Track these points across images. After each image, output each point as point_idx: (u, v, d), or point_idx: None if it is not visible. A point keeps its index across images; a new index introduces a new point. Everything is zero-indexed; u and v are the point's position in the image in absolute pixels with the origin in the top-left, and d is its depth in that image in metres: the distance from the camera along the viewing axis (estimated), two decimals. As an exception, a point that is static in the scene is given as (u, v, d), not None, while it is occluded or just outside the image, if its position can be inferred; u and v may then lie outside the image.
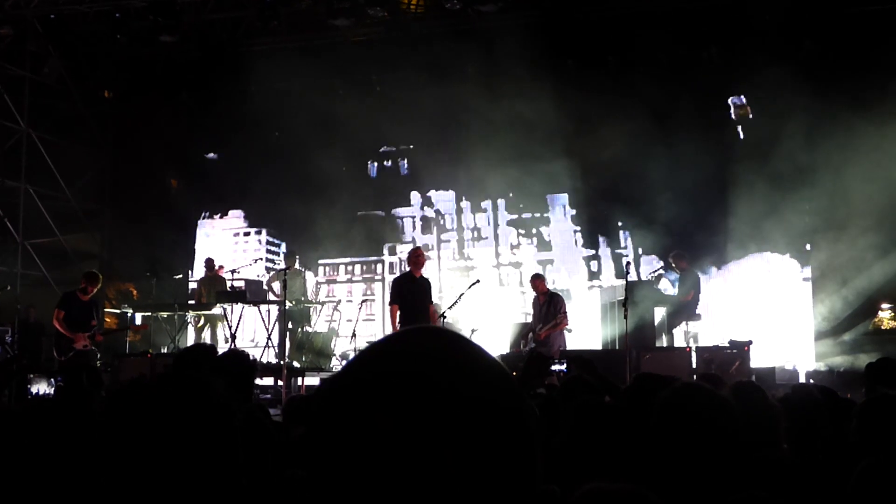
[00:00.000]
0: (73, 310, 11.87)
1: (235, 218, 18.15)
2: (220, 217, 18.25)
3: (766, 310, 14.32)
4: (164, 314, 14.90)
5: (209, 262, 15.70)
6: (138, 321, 14.58)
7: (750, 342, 11.52)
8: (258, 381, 11.02)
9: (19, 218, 16.11)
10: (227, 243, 18.00)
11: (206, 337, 14.93)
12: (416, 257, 11.74)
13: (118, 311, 15.43)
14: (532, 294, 13.41)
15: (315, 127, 15.28)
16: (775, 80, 13.42)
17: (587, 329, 14.23)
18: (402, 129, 16.14)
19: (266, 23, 15.68)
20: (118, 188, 17.98)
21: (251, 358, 5.05)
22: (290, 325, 13.96)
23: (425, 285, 11.58)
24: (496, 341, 13.33)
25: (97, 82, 17.60)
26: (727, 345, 11.68)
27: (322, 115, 15.36)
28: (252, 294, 13.91)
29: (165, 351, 14.16)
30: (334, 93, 16.45)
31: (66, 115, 17.27)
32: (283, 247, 17.23)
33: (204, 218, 18.26)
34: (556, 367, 6.44)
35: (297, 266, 14.81)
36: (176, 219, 17.73)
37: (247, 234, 18.05)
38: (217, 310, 14.25)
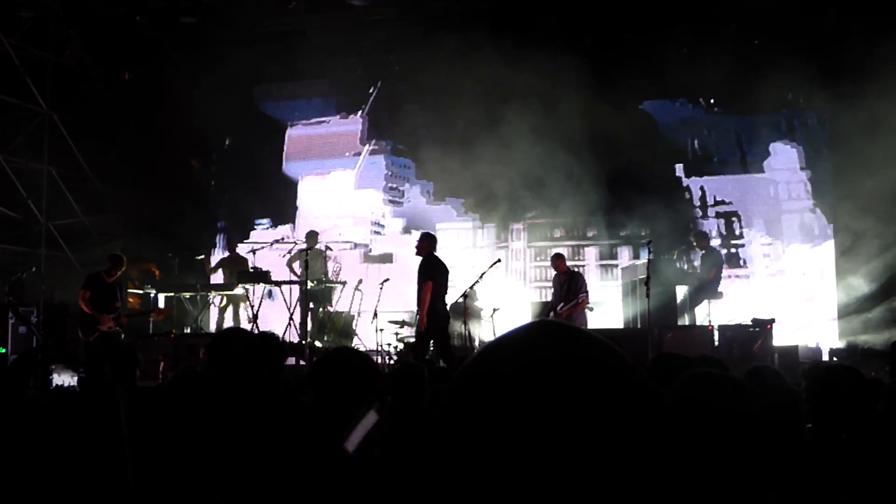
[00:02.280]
0: (97, 291, 12.01)
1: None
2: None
3: (789, 287, 14.25)
4: (187, 294, 15.01)
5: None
6: (161, 302, 14.69)
7: (772, 320, 11.45)
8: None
9: (43, 199, 16.22)
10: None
11: (229, 317, 15.03)
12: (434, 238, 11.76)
13: (141, 291, 15.53)
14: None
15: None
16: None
17: (608, 308, 14.23)
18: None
19: (285, 3, 15.70)
20: (140, 169, 18.05)
21: (281, 341, 5.10)
22: (311, 305, 14.03)
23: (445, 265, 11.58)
24: (517, 320, 13.32)
25: (118, 64, 17.66)
26: (750, 323, 11.62)
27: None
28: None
29: (189, 331, 14.29)
30: (352, 73, 16.56)
31: (88, 97, 17.36)
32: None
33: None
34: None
35: (318, 246, 14.86)
36: (197, 198, 17.82)
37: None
38: (239, 290, 14.33)
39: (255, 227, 17.69)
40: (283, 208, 17.79)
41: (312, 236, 14.94)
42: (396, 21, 15.48)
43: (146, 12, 16.05)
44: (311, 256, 13.47)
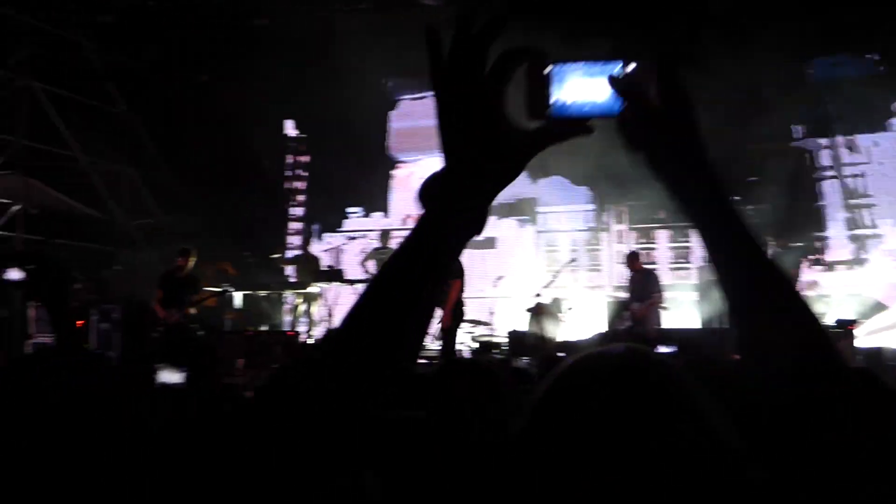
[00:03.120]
0: (169, 288, 12.28)
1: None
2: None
3: (873, 287, 13.89)
4: (263, 293, 15.22)
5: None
6: (238, 300, 14.92)
7: (855, 321, 11.18)
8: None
9: (123, 199, 16.63)
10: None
11: (302, 315, 15.19)
12: None
13: (219, 289, 15.79)
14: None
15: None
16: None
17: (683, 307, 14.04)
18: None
19: (356, 3, 15.83)
20: (215, 169, 18.36)
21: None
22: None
23: None
24: (593, 320, 13.25)
25: (194, 66, 17.98)
26: (833, 324, 11.36)
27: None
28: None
29: (265, 328, 14.49)
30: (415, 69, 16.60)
31: (166, 99, 17.71)
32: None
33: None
34: (663, 350, 6.34)
35: (391, 245, 14.93)
36: (269, 197, 18.04)
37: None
38: (313, 288, 14.48)
39: (348, 216, 17.75)
40: (375, 196, 17.76)
41: (385, 234, 15.01)
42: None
43: (220, 15, 16.33)
44: (387, 255, 13.58)
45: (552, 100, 1.17)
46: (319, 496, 1.11)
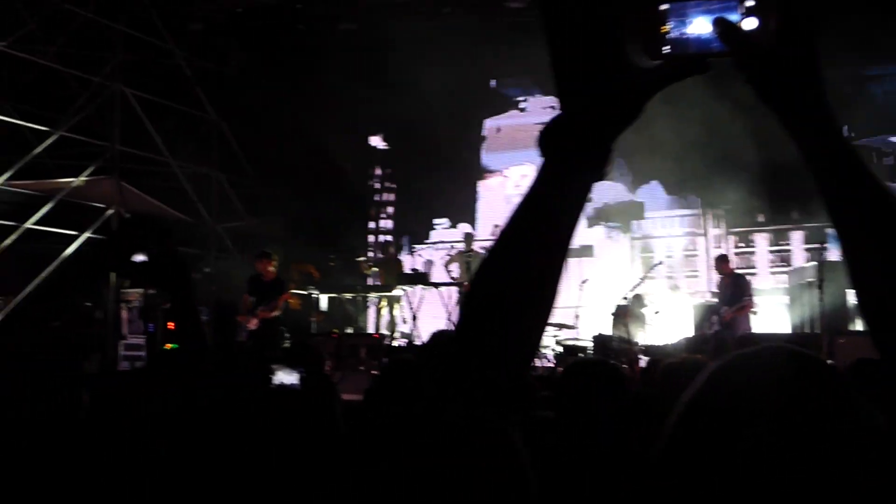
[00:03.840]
0: (255, 292, 12.52)
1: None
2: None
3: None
4: (348, 295, 15.35)
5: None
6: (323, 303, 15.08)
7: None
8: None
9: (211, 203, 16.98)
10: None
11: (386, 318, 15.28)
12: None
13: (304, 292, 16.00)
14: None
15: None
16: None
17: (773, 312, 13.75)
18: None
19: (440, 7, 15.89)
20: (298, 172, 18.62)
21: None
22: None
23: None
24: (680, 324, 13.05)
25: (278, 71, 18.26)
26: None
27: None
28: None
29: (350, 331, 14.61)
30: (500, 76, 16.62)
31: (250, 104, 18.03)
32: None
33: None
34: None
35: (475, 248, 14.94)
36: (352, 201, 18.21)
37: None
38: (397, 291, 14.55)
39: (434, 227, 17.80)
40: (462, 207, 17.71)
41: (469, 238, 15.03)
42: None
43: (306, 20, 16.58)
44: (473, 258, 13.56)
45: (668, 38, 1.14)
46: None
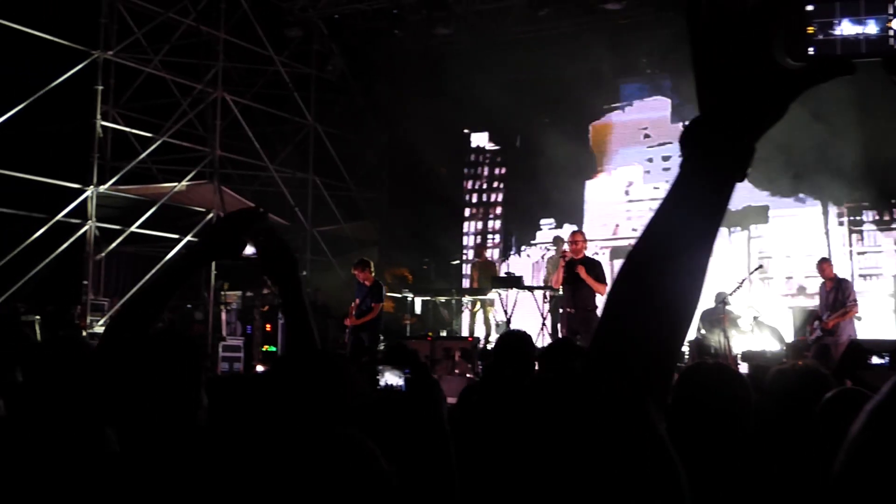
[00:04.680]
0: (357, 295, 12.72)
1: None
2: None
3: None
4: (442, 298, 15.38)
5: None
6: (418, 307, 15.15)
7: None
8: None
9: (308, 207, 17.24)
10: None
11: (480, 321, 15.26)
12: None
13: (399, 295, 16.09)
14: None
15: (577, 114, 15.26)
16: None
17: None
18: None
19: (536, 10, 15.80)
20: (393, 177, 18.80)
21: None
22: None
23: None
24: (780, 329, 12.68)
25: (374, 76, 18.46)
26: None
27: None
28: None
29: (444, 334, 14.62)
30: (601, 77, 16.36)
31: (347, 109, 18.31)
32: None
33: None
34: (876, 361, 5.93)
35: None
36: (446, 204, 18.25)
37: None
38: (491, 294, 14.51)
39: (540, 227, 17.67)
40: (569, 207, 17.44)
41: (558, 241, 14.91)
42: (654, 21, 15.22)
43: (402, 26, 16.71)
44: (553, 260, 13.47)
45: (813, 39, 1.11)
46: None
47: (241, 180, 16.98)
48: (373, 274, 12.79)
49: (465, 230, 18.70)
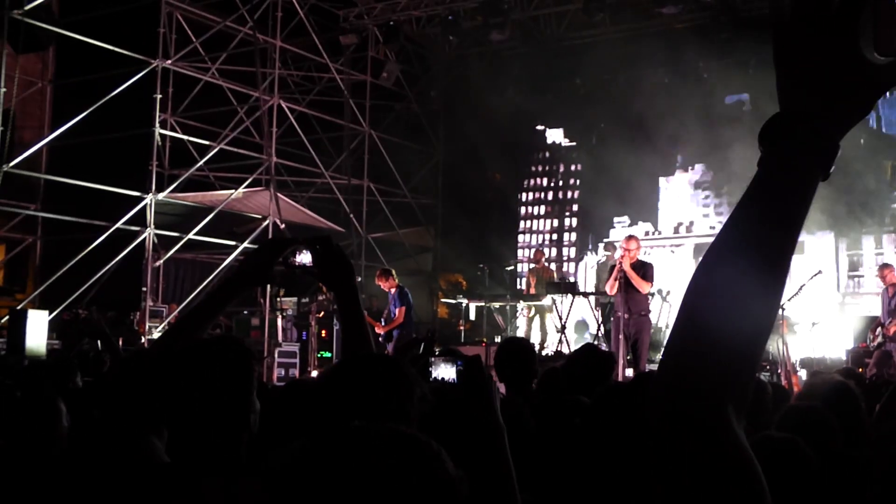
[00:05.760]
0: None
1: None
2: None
3: None
4: (496, 304, 15.30)
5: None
6: (472, 313, 15.10)
7: None
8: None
9: (363, 213, 17.29)
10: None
11: (536, 327, 15.14)
12: None
13: (453, 301, 16.06)
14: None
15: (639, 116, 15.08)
16: None
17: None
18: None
19: (591, 15, 15.69)
20: (448, 183, 18.78)
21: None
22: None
23: None
24: (840, 336, 12.40)
25: (429, 83, 18.49)
26: None
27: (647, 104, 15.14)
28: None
29: (498, 340, 14.54)
30: (659, 81, 16.16)
31: (402, 116, 18.35)
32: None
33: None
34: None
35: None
36: (500, 210, 18.19)
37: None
38: (546, 300, 14.39)
39: (614, 225, 17.47)
40: (644, 204, 17.21)
41: (610, 247, 14.78)
42: (708, 25, 15.04)
43: (456, 32, 16.72)
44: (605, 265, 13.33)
45: None
46: None
47: (297, 187, 17.10)
48: (396, 280, 12.88)
49: (519, 235, 18.61)
